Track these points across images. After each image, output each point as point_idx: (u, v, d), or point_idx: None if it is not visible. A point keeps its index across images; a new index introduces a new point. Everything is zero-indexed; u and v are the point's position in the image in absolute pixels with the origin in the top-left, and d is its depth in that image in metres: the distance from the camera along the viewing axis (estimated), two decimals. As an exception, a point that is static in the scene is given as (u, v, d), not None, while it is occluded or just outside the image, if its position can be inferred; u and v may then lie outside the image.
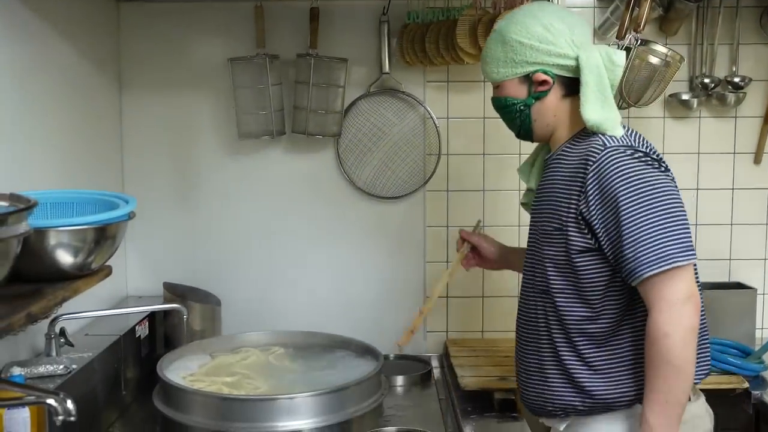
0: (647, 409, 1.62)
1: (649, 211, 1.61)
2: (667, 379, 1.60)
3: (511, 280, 2.71)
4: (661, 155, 1.75)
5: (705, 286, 2.60)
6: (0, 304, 1.27)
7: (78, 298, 1.54)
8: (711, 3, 2.69)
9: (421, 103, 2.72)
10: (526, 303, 1.87)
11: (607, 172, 1.65)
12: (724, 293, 2.65)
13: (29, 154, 1.97)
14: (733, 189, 2.79)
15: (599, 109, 1.73)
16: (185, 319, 2.25)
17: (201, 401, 1.97)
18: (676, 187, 1.70)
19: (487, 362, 2.46)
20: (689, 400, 1.69)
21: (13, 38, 1.88)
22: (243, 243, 2.75)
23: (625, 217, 1.61)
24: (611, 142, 1.70)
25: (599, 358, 1.74)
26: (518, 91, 1.82)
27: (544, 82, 1.79)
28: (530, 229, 1.91)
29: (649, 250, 1.59)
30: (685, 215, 1.66)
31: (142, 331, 2.39)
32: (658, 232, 1.60)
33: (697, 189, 2.77)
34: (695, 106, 2.72)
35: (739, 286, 2.73)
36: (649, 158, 1.69)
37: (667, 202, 1.63)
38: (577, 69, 1.75)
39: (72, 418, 1.27)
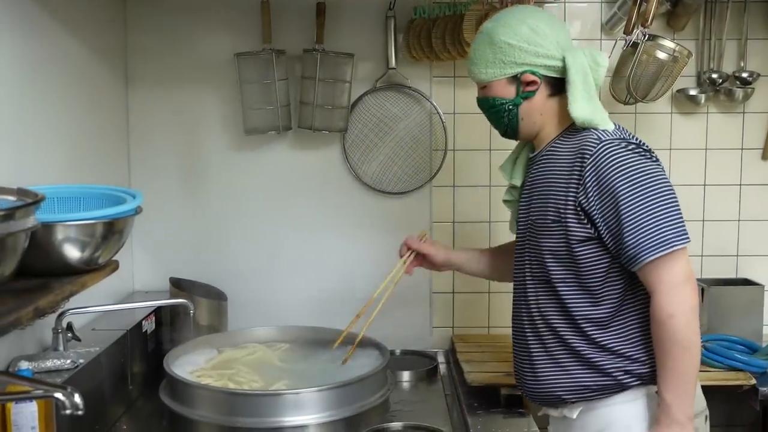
0: (662, 388, 1.69)
1: (646, 200, 1.69)
2: (677, 357, 1.67)
3: (517, 276, 2.71)
4: (649, 147, 1.81)
5: (712, 282, 2.64)
6: (8, 298, 1.28)
7: (85, 292, 1.54)
8: (719, -2, 2.68)
9: (427, 99, 2.71)
10: (525, 296, 1.91)
11: (604, 164, 1.72)
12: (731, 289, 2.65)
13: (36, 148, 1.97)
14: (740, 185, 2.78)
15: (587, 106, 1.80)
16: (191, 314, 2.25)
17: (208, 396, 1.97)
18: (666, 175, 1.77)
19: (493, 358, 2.46)
20: None
21: (20, 33, 1.89)
22: (249, 238, 2.75)
23: (625, 206, 1.69)
24: (606, 135, 1.77)
25: (607, 339, 1.79)
26: (506, 91, 1.88)
27: (532, 83, 1.85)
28: (519, 223, 1.96)
29: (649, 237, 1.67)
30: (677, 200, 1.73)
31: (149, 326, 2.39)
32: (656, 218, 1.68)
33: (705, 185, 2.77)
34: (703, 101, 2.71)
35: (747, 282, 2.72)
36: (641, 149, 1.76)
37: (662, 189, 1.71)
38: (562, 69, 1.83)
39: (79, 412, 1.27)
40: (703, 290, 2.56)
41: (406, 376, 2.40)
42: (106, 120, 2.50)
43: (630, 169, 1.71)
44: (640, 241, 1.67)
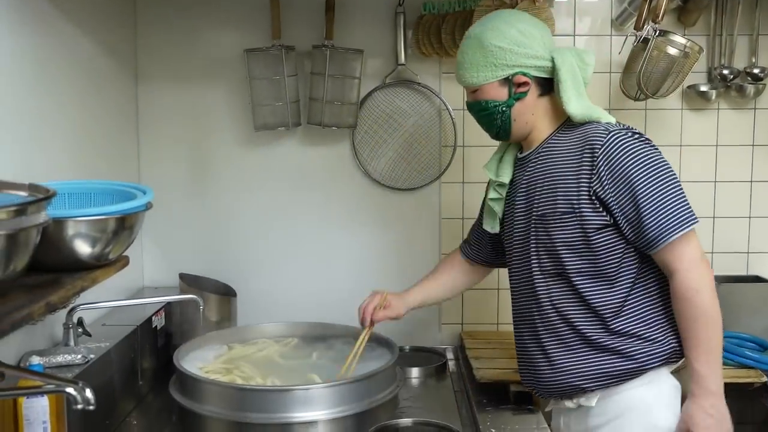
0: (694, 361, 1.77)
1: (660, 184, 1.77)
2: (707, 329, 1.76)
3: (526, 273, 2.70)
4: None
5: (722, 279, 2.62)
6: (20, 293, 1.28)
7: (95, 288, 1.54)
8: (730, -7, 2.66)
9: (436, 95, 2.71)
10: (533, 292, 1.92)
11: (616, 152, 1.78)
12: (741, 286, 2.64)
13: (47, 144, 1.98)
14: (751, 182, 2.76)
15: (580, 103, 1.87)
16: (201, 310, 2.26)
17: (218, 392, 1.98)
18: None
19: (502, 354, 2.45)
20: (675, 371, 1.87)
21: (31, 29, 1.89)
22: (258, 234, 2.76)
23: (641, 191, 1.76)
24: (612, 126, 1.83)
25: (624, 324, 1.84)
26: (499, 94, 1.92)
27: (524, 84, 1.90)
28: (517, 220, 1.97)
29: (668, 218, 1.75)
30: (681, 184, 1.82)
31: (159, 321, 2.40)
32: (671, 201, 1.76)
33: (715, 181, 2.75)
34: (714, 97, 2.69)
35: (757, 279, 2.71)
36: (645, 138, 1.83)
37: (671, 174, 1.80)
38: (551, 69, 1.88)
39: (91, 407, 1.27)
40: (713, 287, 2.55)
41: (415, 372, 2.40)
42: (115, 116, 2.51)
43: (641, 156, 1.78)
44: (660, 223, 1.75)
